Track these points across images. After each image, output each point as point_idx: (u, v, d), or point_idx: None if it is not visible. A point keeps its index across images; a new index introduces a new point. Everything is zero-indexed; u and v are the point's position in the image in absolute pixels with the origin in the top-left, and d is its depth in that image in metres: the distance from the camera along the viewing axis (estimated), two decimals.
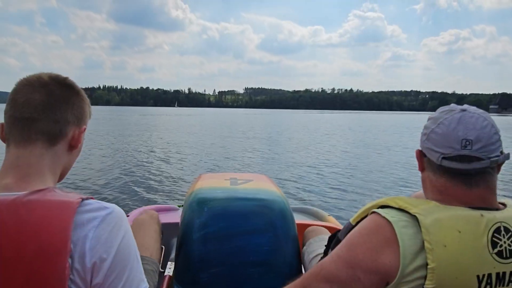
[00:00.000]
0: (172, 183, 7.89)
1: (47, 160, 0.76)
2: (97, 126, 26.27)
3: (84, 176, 8.08)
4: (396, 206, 0.79)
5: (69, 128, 0.79)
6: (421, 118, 71.63)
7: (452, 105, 0.86)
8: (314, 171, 9.81)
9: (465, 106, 0.84)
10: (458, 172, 0.79)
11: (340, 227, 1.77)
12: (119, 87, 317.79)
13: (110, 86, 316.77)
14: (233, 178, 1.70)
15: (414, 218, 0.75)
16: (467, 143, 0.77)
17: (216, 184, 1.60)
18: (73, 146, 0.82)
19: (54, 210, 0.64)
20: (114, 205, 0.72)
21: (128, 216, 2.12)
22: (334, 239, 0.97)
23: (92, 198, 0.71)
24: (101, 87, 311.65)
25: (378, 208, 0.82)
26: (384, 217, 0.77)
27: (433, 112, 0.87)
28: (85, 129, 0.84)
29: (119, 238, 0.69)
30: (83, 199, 0.69)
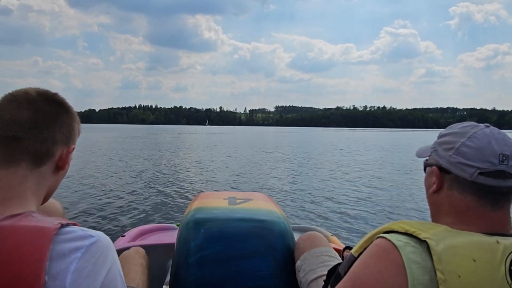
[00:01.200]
0: (174, 201, 7.70)
1: (31, 182, 0.70)
2: (109, 145, 26.93)
3: (82, 193, 8.03)
4: (402, 231, 0.72)
5: (56, 148, 0.74)
6: None
7: (470, 122, 0.80)
8: (323, 190, 9.46)
9: (485, 124, 0.79)
10: (490, 191, 0.72)
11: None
12: (153, 106, 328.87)
13: (145, 105, 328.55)
14: (232, 197, 1.63)
15: (424, 244, 0.67)
16: (504, 158, 0.71)
17: (213, 203, 1.53)
18: (60, 167, 0.76)
19: (28, 238, 0.57)
20: (99, 233, 0.65)
21: (124, 236, 2.07)
22: (334, 273, 0.89)
23: (75, 224, 0.64)
24: (137, 106, 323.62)
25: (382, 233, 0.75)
26: (389, 240, 0.69)
27: (443, 129, 0.82)
28: (73, 148, 0.79)
29: (104, 271, 0.62)
30: (62, 225, 0.61)
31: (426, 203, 0.80)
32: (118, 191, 8.68)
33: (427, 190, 0.82)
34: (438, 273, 0.63)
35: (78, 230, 0.63)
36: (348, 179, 11.37)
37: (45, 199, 0.77)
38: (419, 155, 0.88)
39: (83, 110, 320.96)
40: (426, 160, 0.83)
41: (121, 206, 6.99)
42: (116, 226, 5.60)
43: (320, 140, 42.16)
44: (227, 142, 34.26)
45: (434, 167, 0.79)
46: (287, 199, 8.26)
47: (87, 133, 54.99)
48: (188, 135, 54.25)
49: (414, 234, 0.69)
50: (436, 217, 0.80)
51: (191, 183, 10.17)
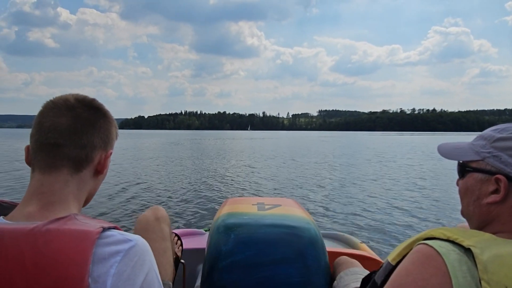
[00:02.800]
0: (203, 206, 7.71)
1: (72, 187, 0.73)
2: (149, 152, 27.54)
3: (116, 197, 8.34)
4: (444, 238, 0.67)
5: (95, 153, 0.76)
6: None
7: None
8: (357, 197, 9.00)
9: None
10: None
11: (374, 256, 1.67)
12: (198, 112, 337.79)
13: (190, 112, 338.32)
14: (260, 202, 1.63)
15: (468, 252, 0.63)
16: None
17: (242, 209, 1.53)
18: (99, 171, 0.78)
19: (73, 242, 0.60)
20: (137, 237, 0.66)
21: None
22: (370, 282, 0.85)
23: (116, 228, 0.66)
24: (183, 113, 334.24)
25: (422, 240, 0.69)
26: (432, 247, 0.64)
27: (495, 131, 0.74)
28: (111, 153, 0.81)
29: (142, 275, 0.64)
30: (104, 229, 0.63)
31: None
32: (151, 195, 8.80)
33: (477, 199, 0.74)
34: (483, 283, 0.59)
35: (118, 234, 0.64)
36: (384, 187, 10.66)
37: (86, 202, 0.80)
38: (449, 155, 0.81)
39: (133, 117, 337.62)
40: (468, 163, 0.76)
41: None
42: None
43: (364, 145, 40.76)
44: (267, 148, 34.11)
45: (498, 175, 0.70)
46: (318, 204, 7.99)
47: (134, 139, 57.43)
48: (228, 141, 54.93)
49: (456, 241, 0.65)
50: (482, 227, 0.73)
51: (221, 189, 10.11)
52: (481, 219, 0.74)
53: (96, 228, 0.62)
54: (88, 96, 0.79)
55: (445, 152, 0.82)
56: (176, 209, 7.35)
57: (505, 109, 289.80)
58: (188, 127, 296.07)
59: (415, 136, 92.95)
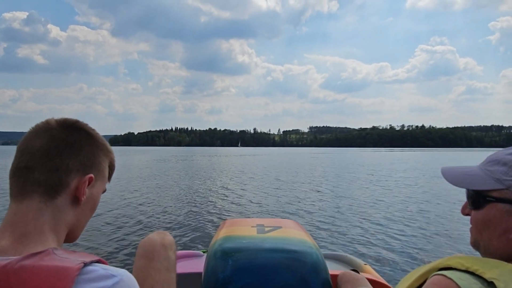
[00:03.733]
0: (200, 227, 7.41)
1: (46, 217, 0.64)
2: (138, 169, 26.64)
3: (106, 218, 7.91)
4: (462, 268, 0.60)
5: (71, 177, 0.66)
6: None
7: None
8: (356, 216, 8.51)
9: None
10: None
11: (380, 279, 1.65)
12: (189, 128, 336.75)
13: (181, 128, 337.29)
14: (260, 224, 1.57)
15: (491, 285, 0.56)
16: None
17: (241, 231, 1.46)
18: (78, 198, 0.68)
19: (49, 280, 0.53)
20: (122, 272, 0.59)
21: None
22: None
23: (99, 261, 0.60)
24: (173, 129, 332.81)
25: (438, 271, 0.62)
26: (451, 279, 0.57)
27: (492, 148, 0.62)
28: (91, 178, 0.69)
29: None
30: (85, 264, 0.57)
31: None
32: (142, 215, 8.40)
33: (504, 232, 0.65)
34: None
35: (100, 268, 0.58)
36: (384, 205, 10.12)
37: (71, 237, 0.70)
38: (459, 182, 0.73)
39: (123, 134, 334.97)
40: (488, 192, 0.67)
41: (144, 232, 6.76)
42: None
43: (356, 162, 40.23)
44: (259, 165, 33.29)
45: None
46: (317, 224, 7.62)
47: (123, 156, 56.21)
48: (220, 158, 53.93)
49: (477, 272, 0.58)
50: (505, 259, 0.64)
51: (217, 209, 9.59)
52: (507, 253, 0.66)
53: (76, 264, 0.55)
54: (71, 118, 0.72)
55: (453, 178, 0.74)
56: (171, 229, 7.02)
57: (492, 125, 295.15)
58: (179, 143, 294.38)
59: (405, 152, 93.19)
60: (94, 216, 7.60)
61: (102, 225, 7.28)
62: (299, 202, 10.91)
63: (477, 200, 0.68)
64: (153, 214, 8.63)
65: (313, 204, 10.39)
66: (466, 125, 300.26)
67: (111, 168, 0.77)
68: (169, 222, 7.75)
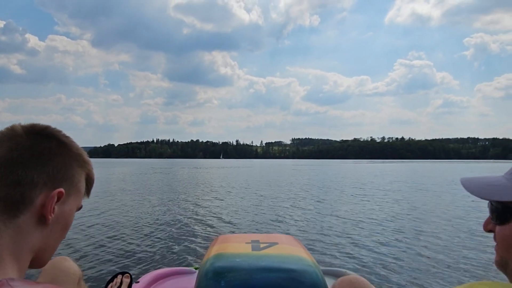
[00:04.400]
0: (191, 242, 6.99)
1: (6, 239, 0.52)
2: (119, 183, 25.66)
3: (90, 234, 7.40)
4: None
5: (36, 192, 0.54)
6: (492, 167, 65.41)
7: None
8: (352, 229, 8.10)
9: None
10: None
11: None
12: (171, 140, 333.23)
13: (163, 140, 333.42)
14: (255, 240, 1.45)
15: None
16: None
17: (235, 248, 1.34)
18: (45, 217, 0.55)
19: None
20: None
21: (138, 282, 2.01)
22: None
23: None
24: (155, 141, 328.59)
25: None
26: None
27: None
28: (62, 193, 0.57)
29: None
30: None
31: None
32: (129, 231, 7.83)
33: None
34: None
35: None
36: (379, 217, 9.67)
37: (38, 261, 0.58)
38: (483, 194, 0.64)
39: (102, 145, 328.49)
40: None
41: (133, 249, 6.34)
42: (129, 271, 4.67)
43: (340, 174, 40.03)
44: (243, 178, 32.55)
45: None
46: (312, 237, 7.26)
47: (102, 168, 54.52)
48: (202, 170, 52.86)
49: None
50: None
51: (208, 223, 9.08)
52: None
53: None
54: (41, 124, 0.60)
55: (475, 189, 0.65)
56: (162, 245, 6.61)
57: (468, 138, 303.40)
58: (160, 155, 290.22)
59: (386, 164, 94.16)
60: (69, 237, 6.89)
61: (78, 245, 6.57)
62: (291, 214, 10.35)
63: (503, 213, 0.60)
64: (137, 230, 7.99)
65: (306, 217, 9.89)
66: (443, 137, 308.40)
67: (89, 181, 0.65)
68: (158, 238, 7.26)
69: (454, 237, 7.42)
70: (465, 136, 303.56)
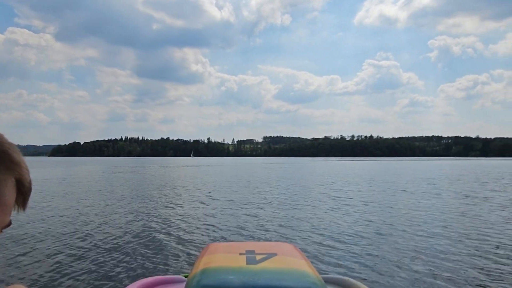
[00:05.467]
0: (179, 247, 6.50)
1: None
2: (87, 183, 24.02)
3: (67, 242, 6.83)
4: None
5: None
6: (454, 164, 67.43)
7: None
8: (347, 227, 7.50)
9: None
10: None
11: None
12: (140, 138, 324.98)
13: (132, 138, 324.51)
14: (250, 250, 1.31)
15: None
16: None
17: (227, 261, 1.20)
18: None
19: None
20: None
21: None
22: None
23: None
24: (123, 139, 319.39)
25: None
26: None
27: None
28: None
29: None
30: None
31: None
32: (108, 238, 7.11)
33: None
34: None
35: None
36: (373, 214, 9.05)
37: None
38: None
39: (67, 143, 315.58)
40: None
41: (117, 257, 5.90)
42: (113, 280, 4.83)
43: (320, 171, 39.68)
44: (214, 177, 31.41)
45: None
46: (306, 242, 6.78)
47: (67, 167, 51.71)
48: (171, 169, 51.11)
49: None
50: None
51: (190, 223, 8.64)
52: None
53: None
54: None
55: None
56: (148, 253, 6.08)
57: (432, 136, 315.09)
58: (129, 153, 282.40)
59: (359, 162, 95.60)
60: (33, 249, 6.13)
61: (42, 257, 5.82)
62: (279, 216, 9.60)
63: None
64: (110, 236, 7.23)
65: (296, 219, 9.15)
66: (410, 136, 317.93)
67: (22, 188, 0.49)
68: (141, 247, 6.56)
69: (468, 247, 6.74)
70: (430, 135, 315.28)
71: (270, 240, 5.21)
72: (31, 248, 6.53)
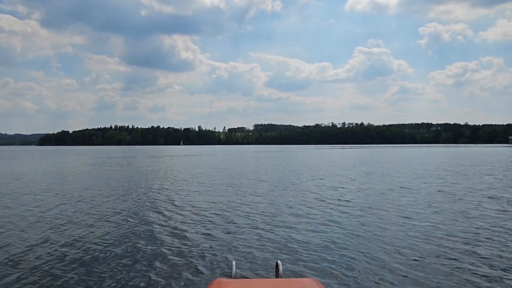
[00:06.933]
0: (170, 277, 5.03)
1: None
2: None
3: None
4: None
5: None
6: (444, 151, 67.64)
7: None
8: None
9: None
10: None
11: None
12: (130, 126, 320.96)
13: (121, 126, 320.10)
14: None
15: None
16: None
17: None
18: None
19: None
20: None
21: None
22: None
23: None
24: (113, 127, 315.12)
25: None
26: None
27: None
28: None
29: None
30: None
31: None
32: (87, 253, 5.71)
33: None
34: None
35: None
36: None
37: None
38: None
39: (56, 132, 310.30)
40: None
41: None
42: None
43: (311, 160, 39.17)
44: (201, 165, 30.66)
45: None
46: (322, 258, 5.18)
47: (51, 158, 50.34)
48: (164, 159, 50.22)
49: None
50: None
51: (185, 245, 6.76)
52: None
53: None
54: None
55: None
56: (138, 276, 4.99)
57: (422, 123, 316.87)
58: (119, 142, 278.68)
59: (355, 150, 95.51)
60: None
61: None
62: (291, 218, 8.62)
63: None
64: (89, 250, 6.05)
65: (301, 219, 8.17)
66: (400, 123, 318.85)
67: None
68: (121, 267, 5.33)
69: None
70: (420, 122, 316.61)
71: (288, 275, 4.17)
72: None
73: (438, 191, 13.22)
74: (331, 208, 9.87)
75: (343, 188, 14.35)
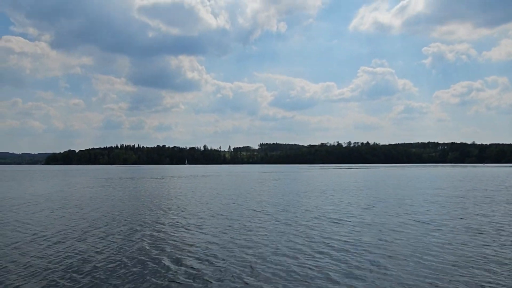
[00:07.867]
0: None
1: None
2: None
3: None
4: None
5: None
6: (451, 171, 66.11)
7: None
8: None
9: None
10: None
11: None
12: (136, 145, 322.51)
13: (127, 145, 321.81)
14: None
15: None
16: None
17: None
18: None
19: None
20: None
21: None
22: None
23: None
24: (119, 146, 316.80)
25: None
26: None
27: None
28: None
29: None
30: None
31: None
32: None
33: None
34: None
35: None
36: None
37: None
38: None
39: (62, 151, 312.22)
40: None
41: None
42: None
43: (319, 184, 38.40)
44: (204, 189, 30.10)
45: None
46: None
47: (54, 179, 50.05)
48: (167, 180, 49.74)
49: None
50: None
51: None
52: None
53: None
54: None
55: None
56: None
57: (428, 142, 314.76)
58: (125, 161, 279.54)
59: (354, 169, 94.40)
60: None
61: None
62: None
63: None
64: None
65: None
66: (406, 142, 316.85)
67: None
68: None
69: None
70: (426, 141, 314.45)
71: None
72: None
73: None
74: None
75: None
